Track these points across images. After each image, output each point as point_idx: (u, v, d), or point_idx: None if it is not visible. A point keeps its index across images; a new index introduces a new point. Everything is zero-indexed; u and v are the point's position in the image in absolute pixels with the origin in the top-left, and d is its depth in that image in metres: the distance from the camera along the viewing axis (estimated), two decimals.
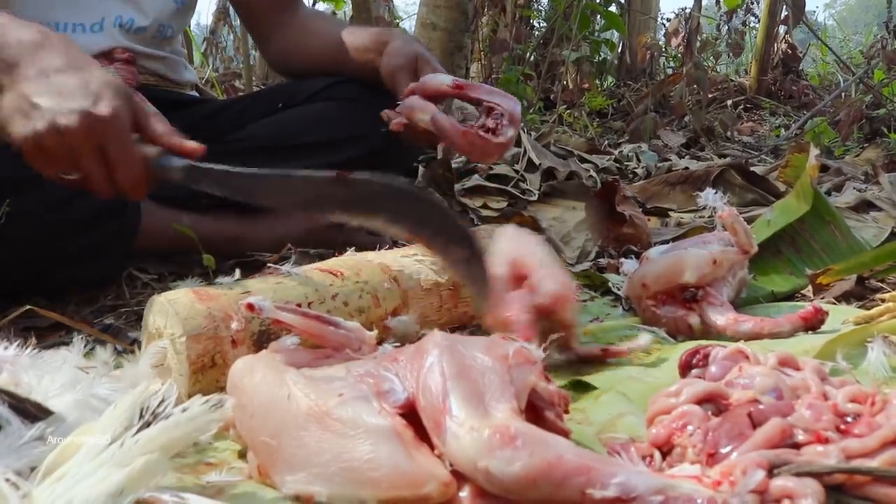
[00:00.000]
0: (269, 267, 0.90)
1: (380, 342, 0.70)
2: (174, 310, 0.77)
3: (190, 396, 0.75)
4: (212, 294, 0.80)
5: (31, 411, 0.57)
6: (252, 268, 1.23)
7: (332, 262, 0.93)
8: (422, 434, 0.54)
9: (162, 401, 0.52)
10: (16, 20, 0.91)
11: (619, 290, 1.15)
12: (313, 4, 4.60)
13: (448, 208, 0.94)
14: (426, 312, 0.94)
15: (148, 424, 0.51)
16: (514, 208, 1.70)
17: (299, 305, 0.84)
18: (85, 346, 0.76)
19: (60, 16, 1.26)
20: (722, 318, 0.92)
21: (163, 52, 1.42)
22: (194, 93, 1.58)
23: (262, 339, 0.79)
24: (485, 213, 1.66)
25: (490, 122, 1.09)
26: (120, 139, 0.84)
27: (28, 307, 0.94)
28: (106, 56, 1.30)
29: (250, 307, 0.68)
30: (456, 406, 0.52)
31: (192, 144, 0.88)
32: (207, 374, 0.77)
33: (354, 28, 1.41)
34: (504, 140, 1.09)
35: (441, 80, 1.16)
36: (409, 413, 0.55)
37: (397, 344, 0.67)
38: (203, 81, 3.07)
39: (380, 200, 0.83)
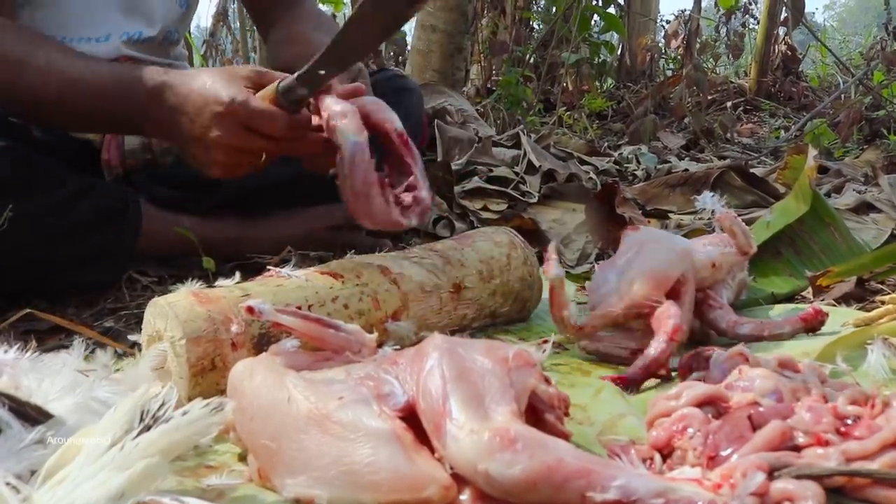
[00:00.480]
0: (269, 270, 0.90)
1: (380, 345, 0.70)
2: (174, 312, 0.77)
3: (190, 399, 0.75)
4: (212, 297, 0.80)
5: (31, 414, 0.57)
6: (252, 270, 1.23)
7: (332, 265, 0.93)
8: (422, 437, 0.54)
9: (162, 404, 0.52)
10: (134, 69, 1.06)
11: None
12: None
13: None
14: (426, 315, 0.94)
15: (148, 428, 0.51)
16: (514, 210, 1.70)
17: (299, 308, 0.84)
18: (85, 350, 0.76)
19: (68, 31, 1.27)
20: (722, 320, 0.92)
21: (167, 59, 1.42)
22: None
23: (262, 341, 0.79)
24: (485, 215, 1.66)
25: (406, 199, 0.95)
26: (248, 112, 0.96)
27: (28, 311, 0.94)
28: None
29: (250, 310, 0.68)
30: (456, 409, 0.52)
31: (278, 74, 0.99)
32: (207, 376, 0.77)
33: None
34: (405, 225, 0.94)
35: (390, 117, 0.98)
36: (410, 416, 0.55)
37: (397, 347, 0.67)
38: None
39: None
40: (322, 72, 0.94)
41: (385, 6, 0.88)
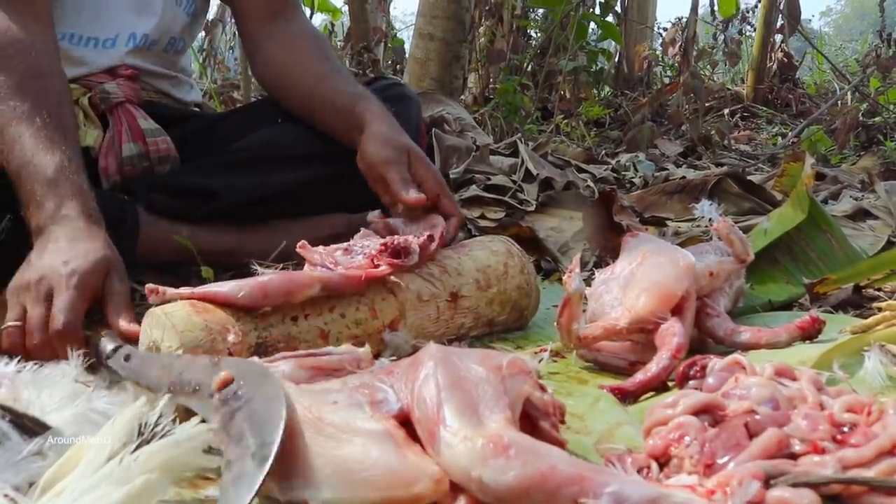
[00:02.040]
0: None
1: (377, 355, 0.70)
2: (171, 322, 0.77)
3: (187, 409, 0.75)
4: (208, 307, 0.80)
5: (28, 426, 0.57)
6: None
7: None
8: (414, 438, 0.54)
9: (160, 416, 0.52)
10: (63, 184, 1.00)
11: None
12: (311, 16, 4.63)
13: None
14: (423, 324, 0.94)
15: (147, 441, 0.51)
16: (512, 219, 1.71)
17: (294, 319, 0.84)
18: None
19: (80, 29, 1.27)
20: (719, 328, 0.92)
21: (171, 71, 1.42)
22: (196, 110, 1.59)
23: (258, 351, 0.79)
24: (483, 223, 1.66)
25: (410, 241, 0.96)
26: (70, 294, 0.88)
27: None
28: (110, 72, 1.31)
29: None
30: (450, 416, 0.52)
31: (131, 326, 0.88)
32: None
33: (334, 78, 1.31)
34: (373, 272, 0.91)
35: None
36: (404, 424, 0.55)
37: (394, 357, 0.68)
38: (201, 93, 3.07)
39: None
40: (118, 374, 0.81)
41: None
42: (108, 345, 0.82)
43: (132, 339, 0.87)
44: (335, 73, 1.33)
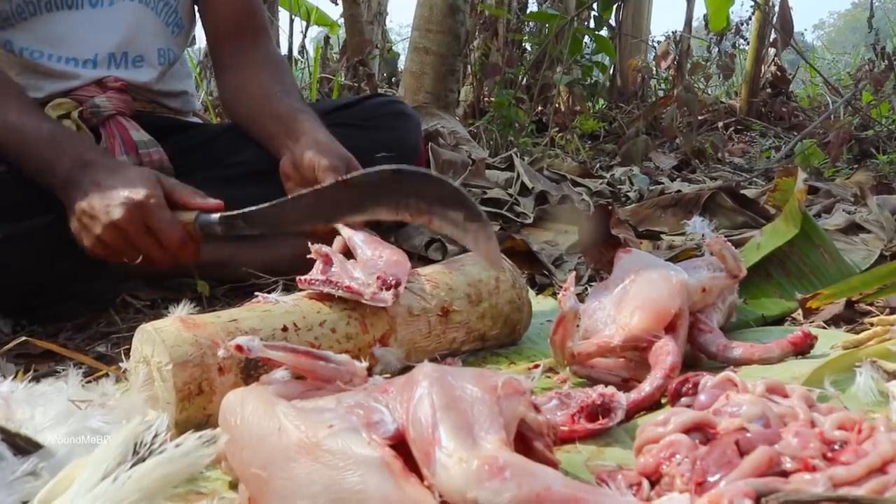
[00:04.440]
0: (257, 295, 0.90)
1: (369, 371, 0.71)
2: (161, 338, 0.77)
3: (178, 424, 0.75)
4: (199, 322, 0.81)
5: (20, 445, 0.57)
6: (247, 293, 1.23)
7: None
8: (411, 465, 0.54)
9: (155, 435, 0.52)
10: (67, 138, 1.15)
11: None
12: (307, 28, 4.65)
13: (441, 177, 0.95)
14: (414, 339, 0.94)
15: (142, 459, 0.51)
16: (509, 232, 1.71)
17: (285, 330, 0.84)
18: (82, 377, 0.76)
19: (58, 50, 1.28)
20: (712, 344, 0.93)
21: (164, 84, 1.43)
22: (197, 119, 1.59)
23: (249, 365, 0.80)
24: None
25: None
26: (157, 213, 1.04)
27: (24, 338, 0.95)
28: (99, 84, 1.31)
29: (239, 348, 0.68)
30: (445, 437, 0.52)
31: (213, 201, 1.07)
32: (194, 401, 0.77)
33: (281, 95, 1.35)
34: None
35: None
36: (399, 444, 0.55)
37: (387, 375, 0.68)
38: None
39: (380, 191, 0.93)
40: (242, 223, 1.02)
41: (328, 200, 0.96)
42: (207, 217, 1.04)
43: (216, 210, 1.06)
44: (284, 93, 1.36)
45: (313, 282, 0.91)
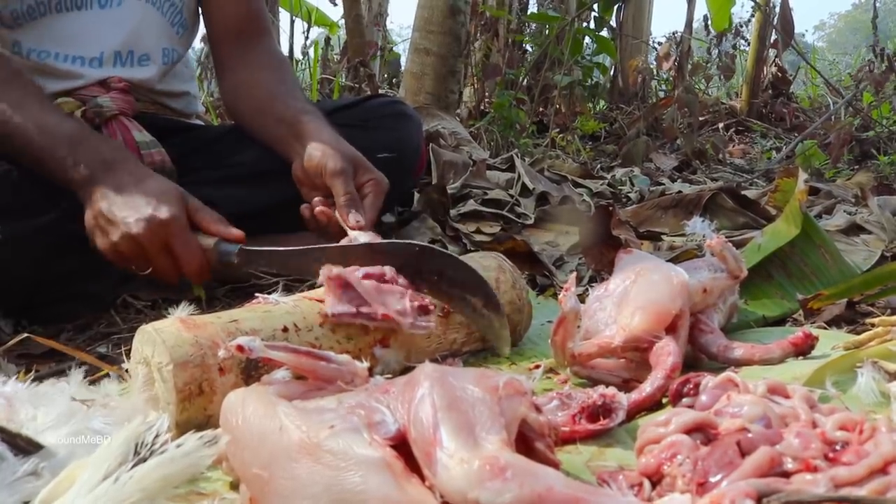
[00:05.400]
0: (257, 296, 0.90)
1: (370, 372, 0.70)
2: (161, 338, 0.77)
3: (178, 424, 0.75)
4: (199, 323, 0.81)
5: (21, 445, 0.57)
6: (247, 293, 1.23)
7: (320, 291, 0.93)
8: (413, 465, 0.54)
9: (157, 435, 0.52)
10: (91, 136, 1.14)
11: None
12: (308, 29, 4.65)
13: (466, 264, 0.96)
14: (415, 339, 0.94)
15: (143, 460, 0.51)
16: (510, 233, 1.71)
17: (285, 330, 0.84)
18: (83, 377, 0.76)
19: (63, 48, 1.28)
20: (713, 345, 0.93)
21: (167, 85, 1.43)
22: (198, 122, 1.59)
23: (249, 366, 0.80)
24: (478, 237, 1.67)
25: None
26: (181, 236, 1.04)
27: (26, 335, 0.95)
28: (102, 84, 1.31)
29: (240, 348, 0.68)
30: (446, 438, 0.52)
31: (236, 232, 1.06)
32: (195, 401, 0.77)
33: (285, 96, 1.35)
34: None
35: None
36: (401, 444, 0.55)
37: (388, 375, 0.68)
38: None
39: (404, 262, 0.94)
40: (263, 262, 1.04)
41: (352, 257, 0.96)
42: (227, 247, 1.04)
43: (238, 240, 1.06)
44: (288, 94, 1.36)
45: (342, 315, 0.87)
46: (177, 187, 1.09)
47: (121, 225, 1.03)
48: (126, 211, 1.04)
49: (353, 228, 1.10)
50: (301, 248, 1.00)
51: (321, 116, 1.28)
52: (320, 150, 1.19)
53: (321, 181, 1.18)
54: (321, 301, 0.90)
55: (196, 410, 0.77)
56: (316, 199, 1.17)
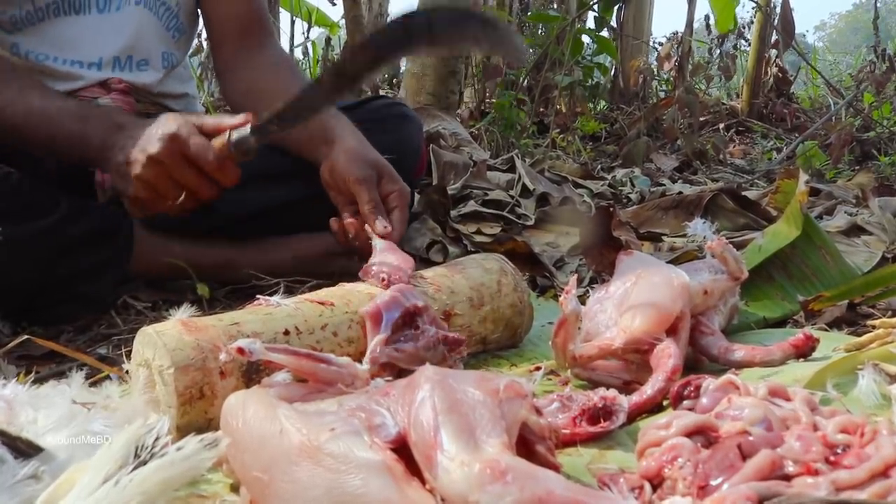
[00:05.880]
0: (258, 298, 0.90)
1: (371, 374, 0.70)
2: (162, 341, 0.77)
3: (179, 428, 0.75)
4: (200, 325, 0.80)
5: (21, 448, 0.57)
6: (248, 295, 1.23)
7: (321, 293, 0.93)
8: (413, 469, 0.54)
9: (157, 438, 0.52)
10: (98, 108, 1.20)
11: None
12: (308, 30, 4.65)
13: (442, 11, 0.95)
14: None
15: (143, 463, 0.51)
16: (510, 233, 1.71)
17: (287, 333, 0.84)
18: (84, 379, 0.76)
19: (62, 53, 1.28)
20: (713, 346, 0.93)
21: (167, 87, 1.43)
22: None
23: (250, 369, 0.79)
24: (478, 238, 1.67)
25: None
26: (192, 140, 1.06)
27: (27, 336, 0.95)
28: (103, 86, 1.32)
29: (241, 351, 0.68)
30: (447, 440, 0.52)
31: (241, 116, 1.08)
32: (196, 405, 0.77)
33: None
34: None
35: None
36: (401, 447, 0.55)
37: (389, 378, 0.67)
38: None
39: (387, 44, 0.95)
40: (274, 125, 1.04)
41: (343, 73, 0.97)
42: (239, 132, 1.06)
43: (245, 124, 1.07)
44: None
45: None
46: (176, 114, 1.12)
47: (138, 156, 1.06)
48: (140, 146, 1.07)
49: (380, 235, 1.10)
50: (296, 92, 1.02)
51: (344, 117, 1.28)
52: (344, 156, 1.19)
53: (346, 189, 1.18)
54: (323, 303, 0.89)
55: (197, 414, 0.77)
56: (344, 213, 1.19)
